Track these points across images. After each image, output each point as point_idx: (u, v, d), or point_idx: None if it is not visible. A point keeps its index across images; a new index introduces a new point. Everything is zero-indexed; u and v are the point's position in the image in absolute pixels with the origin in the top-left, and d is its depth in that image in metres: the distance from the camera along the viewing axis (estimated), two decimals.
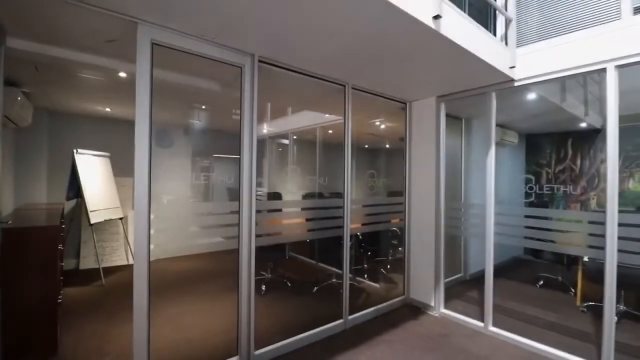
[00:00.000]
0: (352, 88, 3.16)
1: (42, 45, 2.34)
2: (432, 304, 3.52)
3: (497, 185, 5.74)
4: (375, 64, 2.62)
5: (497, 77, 2.91)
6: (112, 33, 2.09)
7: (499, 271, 5.23)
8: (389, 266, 4.96)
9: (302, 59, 2.55)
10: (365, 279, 4.42)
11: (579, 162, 5.96)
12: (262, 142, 6.78)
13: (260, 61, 2.48)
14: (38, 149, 4.34)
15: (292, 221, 2.93)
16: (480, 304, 3.72)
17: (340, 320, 3.07)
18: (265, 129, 5.84)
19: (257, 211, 2.46)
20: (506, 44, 2.90)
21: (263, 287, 3.98)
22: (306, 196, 6.10)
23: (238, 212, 2.39)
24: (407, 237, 3.77)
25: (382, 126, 5.36)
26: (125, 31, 2.00)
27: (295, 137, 7.06)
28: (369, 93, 3.36)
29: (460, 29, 2.22)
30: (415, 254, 3.71)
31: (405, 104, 3.78)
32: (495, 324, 3.11)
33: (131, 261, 5.05)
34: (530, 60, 2.85)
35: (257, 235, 2.47)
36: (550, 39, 2.78)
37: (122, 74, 2.78)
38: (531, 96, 3.66)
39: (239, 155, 2.41)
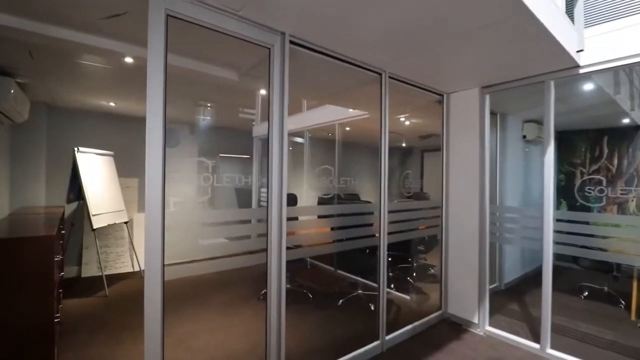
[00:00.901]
0: (389, 77, 2.77)
1: (36, 23, 1.97)
2: (476, 320, 3.12)
3: (529, 187, 5.35)
4: (420, 47, 2.23)
5: (560, 63, 2.52)
6: (120, 3, 1.72)
7: (533, 280, 4.84)
8: (414, 274, 4.58)
9: (338, 40, 2.17)
10: (392, 289, 4.04)
11: (615, 161, 5.55)
12: (266, 141, 6.41)
13: (291, 42, 2.10)
14: (36, 147, 3.98)
15: (320, 230, 2.54)
16: (525, 318, 3.34)
17: (377, 342, 2.69)
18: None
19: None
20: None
21: None
22: (323, 199, 5.72)
23: (266, 221, 2.01)
24: (444, 245, 3.38)
25: (407, 122, 4.97)
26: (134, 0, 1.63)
27: (310, 135, 6.68)
28: (406, 83, 2.97)
29: (540, 0, 1.83)
30: (455, 264, 3.32)
31: (442, 96, 3.39)
32: (552, 346, 2.71)
33: (137, 268, 4.69)
34: (599, 43, 2.45)
35: (288, 248, 2.09)
36: (625, 18, 2.38)
37: (129, 59, 2.41)
38: (586, 87, 3.27)
39: (268, 154, 2.04)
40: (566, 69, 2.60)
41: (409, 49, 2.27)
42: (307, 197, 5.97)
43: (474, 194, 3.16)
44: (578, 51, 2.48)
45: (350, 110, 4.19)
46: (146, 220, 1.55)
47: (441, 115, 3.42)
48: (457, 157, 3.34)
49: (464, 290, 3.24)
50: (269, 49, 2.04)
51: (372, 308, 3.49)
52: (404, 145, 8.83)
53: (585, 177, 5.69)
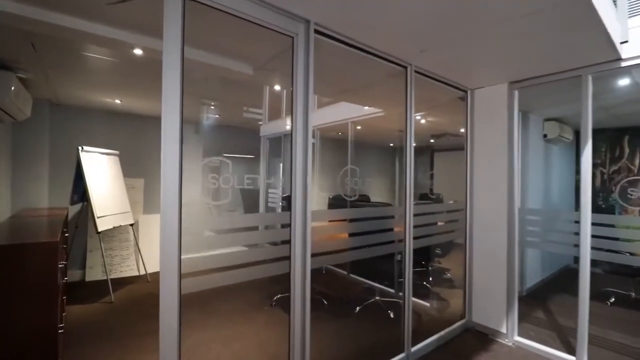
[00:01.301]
0: (415, 71, 2.59)
1: (38, 9, 1.80)
2: (503, 330, 2.94)
3: (549, 188, 5.15)
4: (452, 37, 2.06)
5: (602, 55, 2.33)
6: None
7: (554, 284, 4.64)
8: (430, 279, 4.40)
9: (364, 29, 1.99)
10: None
11: (637, 161, 5.36)
12: (277, 139, 6.24)
13: (315, 30, 1.93)
14: (38, 146, 3.82)
15: (336, 236, 2.36)
16: (553, 327, 3.16)
17: (402, 355, 2.51)
18: (282, 124, 5.30)
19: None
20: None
21: None
22: (335, 200, 5.54)
23: (290, 226, 1.83)
24: (468, 250, 3.20)
25: (423, 121, 4.79)
26: None
27: (319, 134, 6.51)
28: (431, 78, 2.79)
29: None
30: (480, 270, 3.14)
31: (466, 92, 3.21)
32: (590, 359, 2.53)
33: (142, 272, 4.52)
34: None
35: (313, 255, 1.91)
36: None
37: (138, 51, 2.23)
38: (618, 83, 3.08)
39: (292, 153, 1.86)
40: (607, 62, 2.42)
41: (440, 39, 2.09)
42: (318, 199, 5.80)
43: (502, 196, 2.98)
44: (622, 42, 2.30)
45: (366, 107, 4.01)
46: (162, 228, 1.38)
47: (465, 113, 3.23)
48: (482, 157, 3.15)
49: (490, 298, 3.05)
50: (292, 37, 1.87)
51: (392, 316, 3.32)
52: (413, 144, 8.60)
53: (606, 177, 5.50)
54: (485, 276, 3.10)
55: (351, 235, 2.33)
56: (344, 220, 2.33)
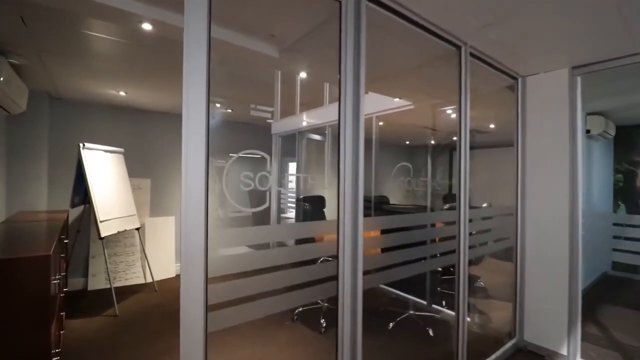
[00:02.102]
0: (471, 54, 2.22)
1: None
2: (563, 351, 2.55)
3: (591, 188, 4.75)
4: (517, 9, 1.68)
5: None
6: None
7: (597, 294, 4.24)
8: None
9: None
10: (444, 307, 3.47)
11: None
12: (286, 138, 5.87)
13: None
14: (36, 143, 3.47)
15: (377, 245, 1.98)
16: (614, 346, 2.77)
17: None
18: (298, 120, 4.92)
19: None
20: None
21: (323, 322, 3.05)
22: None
23: (337, 239, 1.46)
24: (519, 259, 2.81)
25: (454, 115, 4.40)
26: None
27: (330, 130, 6.11)
28: (483, 61, 2.41)
29: None
30: (534, 282, 2.75)
31: (517, 79, 2.82)
32: None
33: (149, 279, 4.17)
34: None
35: (365, 273, 1.54)
36: None
37: (147, 26, 1.87)
38: None
39: (339, 149, 1.49)
40: None
41: (507, 9, 1.71)
42: (333, 200, 5.42)
43: (562, 198, 2.59)
44: None
45: (397, 99, 3.63)
46: (184, 247, 1.02)
47: (515, 103, 2.84)
48: (536, 155, 2.77)
49: (547, 314, 2.66)
50: (340, 2, 1.50)
51: (431, 334, 2.94)
52: (432, 142, 8.21)
53: None
54: (540, 289, 2.71)
55: (400, 247, 1.95)
56: (404, 229, 1.95)
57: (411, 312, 3.22)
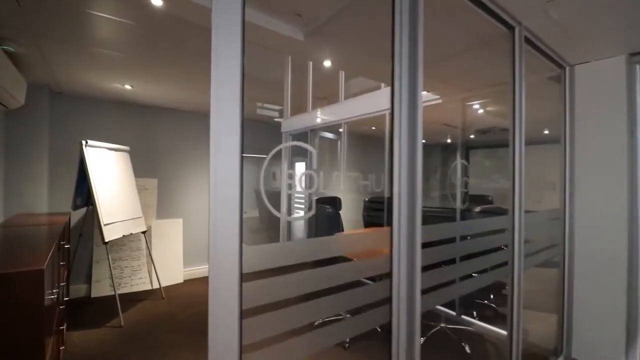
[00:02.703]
0: (526, 39, 1.94)
1: None
2: None
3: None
4: None
5: None
6: None
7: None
8: (492, 296, 3.72)
9: None
10: (474, 318, 3.19)
11: None
12: (297, 137, 5.61)
13: None
14: (35, 140, 3.24)
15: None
16: None
17: None
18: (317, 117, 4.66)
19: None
20: None
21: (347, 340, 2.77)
22: (373, 203, 4.88)
23: (391, 250, 1.20)
24: (566, 266, 2.53)
25: (481, 111, 4.12)
26: None
27: (346, 128, 5.85)
28: (534, 46, 2.13)
29: None
30: (584, 293, 2.47)
31: (564, 68, 2.54)
32: None
33: (155, 285, 3.93)
34: None
35: (424, 292, 1.27)
36: None
37: (157, 2, 1.61)
38: None
39: (393, 139, 1.23)
40: None
41: None
42: (348, 202, 5.16)
43: (619, 199, 2.30)
44: None
45: (425, 93, 3.35)
46: (213, 251, 0.75)
47: (562, 95, 2.56)
48: (587, 152, 2.48)
49: (600, 329, 2.38)
50: None
51: (468, 350, 2.66)
52: (448, 141, 7.90)
53: None
54: (592, 300, 2.43)
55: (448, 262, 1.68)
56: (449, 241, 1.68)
57: (442, 324, 2.95)
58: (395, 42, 1.24)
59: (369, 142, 5.45)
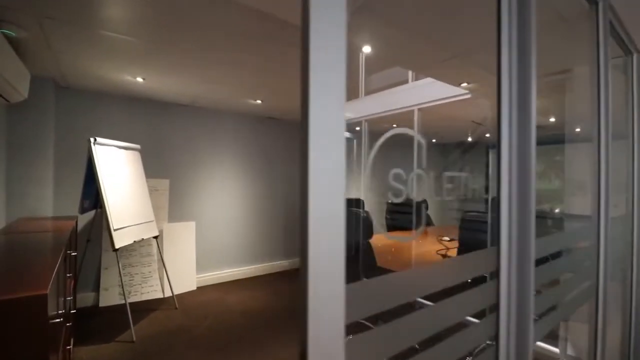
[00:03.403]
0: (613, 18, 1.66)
1: None
2: None
3: None
4: None
5: None
6: None
7: None
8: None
9: None
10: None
11: None
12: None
13: None
14: (40, 137, 2.99)
15: None
16: None
17: None
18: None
19: None
20: None
21: None
22: (397, 205, 4.60)
23: (497, 279, 0.92)
24: (634, 275, 2.23)
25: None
26: None
27: (366, 126, 5.59)
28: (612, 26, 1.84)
29: None
30: None
31: (632, 54, 2.25)
32: None
33: (168, 293, 3.67)
34: None
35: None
36: None
37: None
38: None
39: (500, 149, 0.96)
40: None
41: None
42: (370, 204, 4.88)
43: None
44: None
45: (461, 85, 3.06)
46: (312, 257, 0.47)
47: (629, 85, 2.27)
48: None
49: None
50: None
51: None
52: (469, 139, 7.57)
53: None
54: None
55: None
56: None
57: (488, 342, 2.65)
58: (502, 30, 0.96)
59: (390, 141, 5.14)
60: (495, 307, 0.93)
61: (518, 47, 0.99)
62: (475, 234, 2.59)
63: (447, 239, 3.69)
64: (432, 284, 0.79)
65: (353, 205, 4.09)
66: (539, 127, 1.01)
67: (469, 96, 3.48)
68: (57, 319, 1.47)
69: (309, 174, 0.48)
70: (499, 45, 0.97)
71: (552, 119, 3.79)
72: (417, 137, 0.86)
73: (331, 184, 0.51)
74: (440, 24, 1.86)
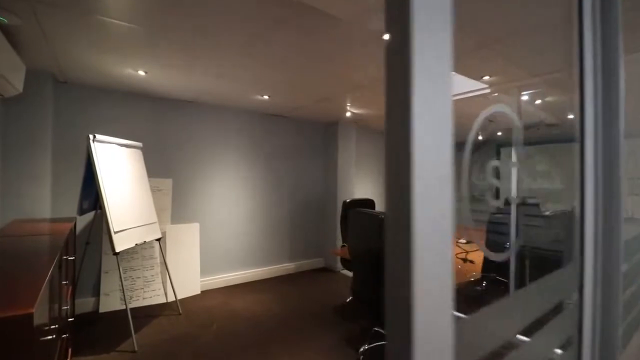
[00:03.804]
0: None
1: None
2: None
3: None
4: None
5: None
6: None
7: None
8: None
9: None
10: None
11: None
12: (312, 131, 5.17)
13: None
14: (37, 134, 2.83)
15: None
16: None
17: None
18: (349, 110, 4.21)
19: None
20: None
21: None
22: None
23: (580, 306, 0.75)
24: None
25: (539, 101, 3.64)
26: None
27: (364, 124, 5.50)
28: None
29: None
30: None
31: None
32: None
33: (171, 298, 3.51)
34: None
35: None
36: None
37: None
38: None
39: (582, 148, 0.78)
40: None
41: None
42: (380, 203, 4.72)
43: None
44: None
45: (486, 77, 2.88)
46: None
47: None
48: None
49: None
50: None
51: None
52: (480, 138, 7.40)
53: None
54: None
55: None
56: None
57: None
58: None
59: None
60: (579, 324, 0.76)
61: (602, 26, 0.82)
62: (500, 237, 2.41)
63: (464, 241, 3.51)
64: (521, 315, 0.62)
65: (360, 205, 3.92)
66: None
67: (487, 90, 3.31)
68: (50, 335, 1.31)
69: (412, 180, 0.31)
70: (581, 29, 0.80)
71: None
72: (515, 119, 0.69)
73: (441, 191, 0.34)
74: (471, 13, 1.69)
